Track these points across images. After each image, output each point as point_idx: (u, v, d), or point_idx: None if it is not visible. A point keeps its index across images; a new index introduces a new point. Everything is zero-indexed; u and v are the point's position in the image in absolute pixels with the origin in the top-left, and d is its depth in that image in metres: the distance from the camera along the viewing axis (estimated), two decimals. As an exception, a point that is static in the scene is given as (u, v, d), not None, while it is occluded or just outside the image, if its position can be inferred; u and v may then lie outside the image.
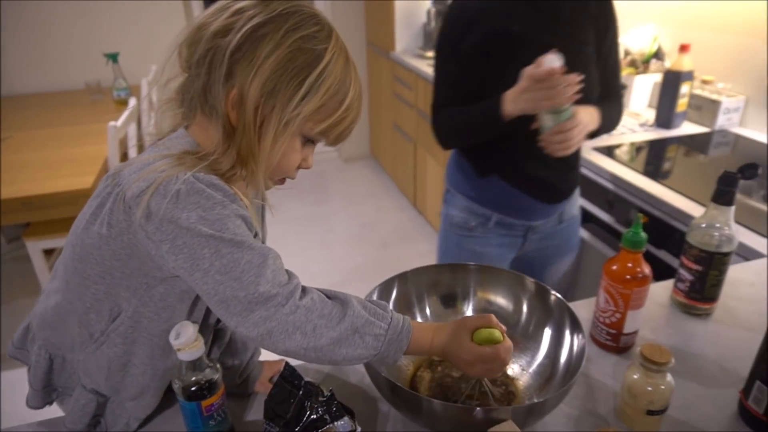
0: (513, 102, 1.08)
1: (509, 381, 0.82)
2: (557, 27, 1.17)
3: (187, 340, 0.66)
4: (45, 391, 0.80)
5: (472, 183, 1.30)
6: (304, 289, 0.65)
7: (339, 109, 0.69)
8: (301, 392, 0.65)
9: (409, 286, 0.89)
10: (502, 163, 1.25)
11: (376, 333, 0.65)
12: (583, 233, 1.75)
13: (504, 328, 0.71)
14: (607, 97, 1.27)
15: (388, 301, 0.86)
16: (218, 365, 0.72)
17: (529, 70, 1.02)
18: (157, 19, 3.33)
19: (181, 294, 0.70)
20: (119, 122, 2.04)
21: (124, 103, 2.81)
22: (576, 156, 1.32)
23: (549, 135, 1.07)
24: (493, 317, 0.71)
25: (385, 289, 0.86)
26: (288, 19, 0.65)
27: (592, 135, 1.23)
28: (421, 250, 2.97)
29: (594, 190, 1.71)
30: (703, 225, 0.92)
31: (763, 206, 1.38)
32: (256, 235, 0.82)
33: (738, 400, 0.79)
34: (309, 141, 0.71)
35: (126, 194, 0.63)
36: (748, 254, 1.20)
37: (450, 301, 0.90)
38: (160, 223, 0.61)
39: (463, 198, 1.33)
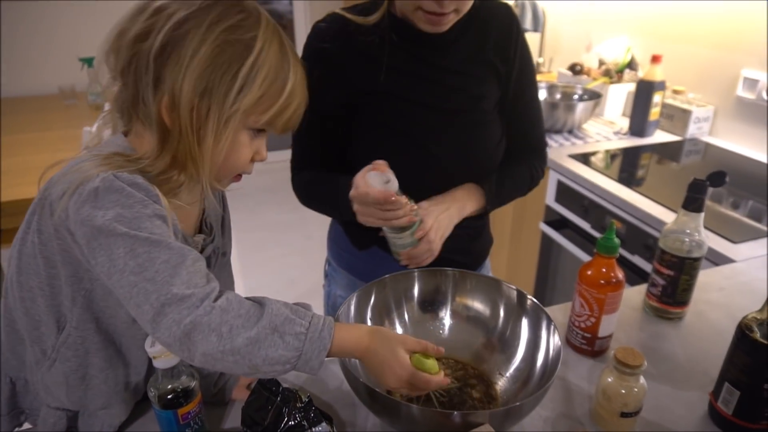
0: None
1: (490, 383, 0.83)
2: (442, 80, 0.94)
3: (162, 348, 0.66)
4: (11, 415, 0.77)
5: (353, 256, 1.07)
6: (220, 292, 0.62)
7: (281, 96, 0.66)
8: (278, 399, 0.65)
9: (387, 292, 0.89)
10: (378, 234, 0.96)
11: (297, 331, 0.60)
12: (560, 239, 1.78)
13: (442, 351, 0.68)
14: (521, 154, 1.04)
15: (366, 306, 0.87)
16: (195, 372, 0.71)
17: (353, 191, 0.84)
18: (134, 24, 3.29)
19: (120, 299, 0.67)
20: (94, 127, 2.01)
21: (100, 108, 2.76)
22: (482, 221, 1.08)
23: (403, 259, 0.91)
24: (430, 346, 0.68)
25: (363, 295, 0.86)
26: (209, 11, 0.62)
27: (485, 210, 1.00)
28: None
29: (570, 197, 1.74)
30: (675, 231, 0.95)
31: (732, 213, 1.42)
32: (214, 246, 0.79)
33: (708, 402, 0.80)
34: (258, 132, 0.69)
35: (51, 197, 0.62)
36: (717, 259, 1.23)
37: (428, 306, 0.91)
38: (79, 224, 0.59)
39: (345, 274, 1.09)
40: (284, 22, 4.20)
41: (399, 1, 0.88)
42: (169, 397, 0.68)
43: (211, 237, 0.80)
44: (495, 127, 0.99)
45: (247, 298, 0.64)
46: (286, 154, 1.03)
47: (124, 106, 0.66)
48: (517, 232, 2.08)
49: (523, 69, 1.00)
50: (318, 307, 1.21)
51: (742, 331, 0.73)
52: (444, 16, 0.85)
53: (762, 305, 0.73)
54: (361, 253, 1.05)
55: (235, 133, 0.65)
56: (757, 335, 0.71)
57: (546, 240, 1.90)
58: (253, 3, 0.66)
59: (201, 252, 0.77)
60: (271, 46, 0.64)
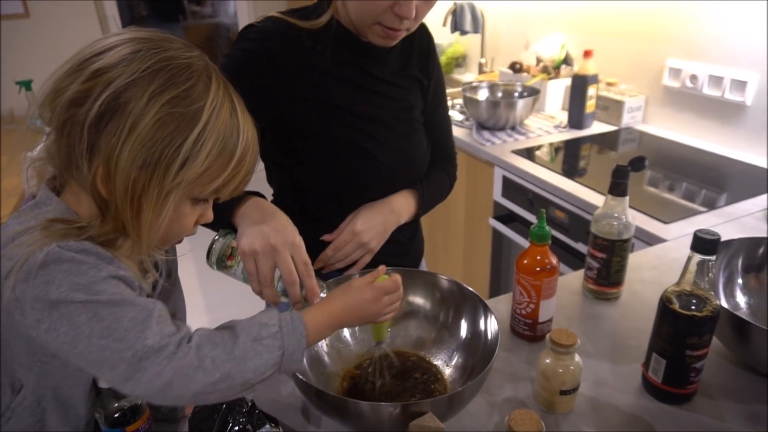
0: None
1: (439, 375, 0.85)
2: (378, 89, 0.96)
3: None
4: None
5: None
6: (189, 332, 0.61)
7: (228, 167, 0.63)
8: (224, 406, 0.66)
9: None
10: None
11: (272, 333, 0.61)
12: (509, 232, 1.84)
13: (384, 269, 0.78)
14: (439, 162, 1.11)
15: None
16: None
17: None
18: (72, 43, 3.18)
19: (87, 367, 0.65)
20: (35, 152, 1.95)
21: (40, 132, 2.68)
22: (415, 224, 1.11)
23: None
24: (375, 273, 0.76)
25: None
26: (153, 79, 0.58)
27: (417, 217, 1.07)
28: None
29: (516, 191, 1.79)
30: (604, 216, 1.00)
31: (662, 194, 1.50)
32: (172, 290, 0.79)
33: (641, 373, 0.85)
34: (203, 200, 0.66)
35: None
36: (650, 240, 1.30)
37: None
38: (32, 302, 0.57)
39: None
40: (231, 35, 4.18)
41: (356, 13, 0.87)
42: (116, 415, 0.68)
43: (159, 271, 0.78)
44: (423, 135, 1.06)
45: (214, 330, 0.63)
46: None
47: (59, 164, 0.62)
48: (469, 228, 2.13)
49: (438, 83, 1.08)
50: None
51: (664, 303, 0.78)
52: (399, 32, 0.88)
53: (678, 278, 0.78)
54: None
55: (176, 205, 0.62)
56: (676, 306, 0.76)
57: (497, 235, 1.96)
58: (203, 62, 0.63)
59: (154, 286, 0.76)
60: (219, 114, 0.61)
